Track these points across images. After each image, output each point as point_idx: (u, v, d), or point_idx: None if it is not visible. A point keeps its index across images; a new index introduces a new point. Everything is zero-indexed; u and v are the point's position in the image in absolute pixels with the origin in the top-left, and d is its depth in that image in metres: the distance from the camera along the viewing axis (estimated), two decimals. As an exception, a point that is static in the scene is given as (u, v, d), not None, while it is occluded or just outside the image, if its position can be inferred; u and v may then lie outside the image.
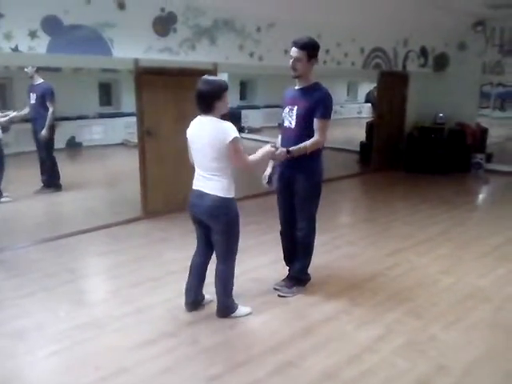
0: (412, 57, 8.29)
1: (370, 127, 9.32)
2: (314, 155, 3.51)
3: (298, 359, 2.89)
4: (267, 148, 3.29)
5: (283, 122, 3.60)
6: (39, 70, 6.77)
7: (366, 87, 18.33)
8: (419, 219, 5.84)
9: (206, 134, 3.01)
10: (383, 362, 2.88)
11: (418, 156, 8.60)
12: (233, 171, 3.14)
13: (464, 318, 3.42)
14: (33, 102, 6.75)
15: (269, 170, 3.73)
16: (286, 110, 3.56)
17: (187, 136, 3.17)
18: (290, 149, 3.36)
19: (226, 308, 3.36)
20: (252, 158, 3.19)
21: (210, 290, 3.46)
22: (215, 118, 3.02)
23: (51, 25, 4.28)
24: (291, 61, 3.43)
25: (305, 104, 3.43)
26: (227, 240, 3.20)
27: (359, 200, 7.33)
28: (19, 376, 2.80)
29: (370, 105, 17.91)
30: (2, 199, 6.25)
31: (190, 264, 3.42)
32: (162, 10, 5.01)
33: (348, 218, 6.33)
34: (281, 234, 3.88)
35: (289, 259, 3.90)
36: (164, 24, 5.05)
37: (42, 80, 6.78)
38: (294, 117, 3.48)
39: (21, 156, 9.42)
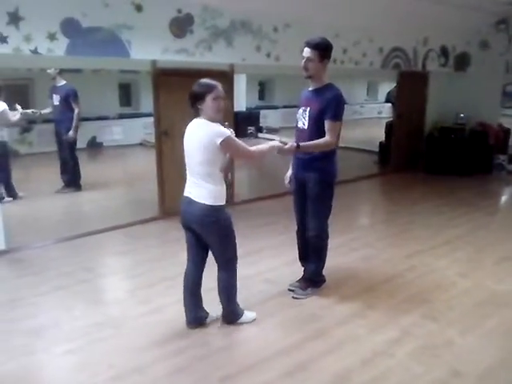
0: (432, 56, 8.16)
1: (390, 127, 9.21)
2: (328, 157, 3.49)
3: (310, 362, 2.87)
4: (275, 142, 3.26)
5: (297, 122, 3.61)
6: (62, 71, 6.87)
7: (387, 87, 18.12)
8: (438, 221, 5.75)
9: (195, 137, 2.94)
10: (397, 366, 2.84)
11: (438, 157, 8.46)
12: (221, 179, 3.03)
13: (481, 324, 3.35)
14: (56, 103, 6.86)
15: (290, 171, 3.76)
16: (300, 111, 3.57)
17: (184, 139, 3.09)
18: (300, 144, 3.34)
19: (232, 314, 3.31)
20: (256, 148, 3.12)
21: (210, 298, 3.36)
22: (205, 121, 2.92)
23: (70, 27, 4.34)
24: (303, 61, 3.41)
25: (317, 105, 3.42)
26: (223, 248, 3.12)
27: (377, 201, 7.26)
28: (35, 373, 2.85)
29: (390, 105, 17.72)
30: (5, 199, 6.34)
31: (183, 278, 3.27)
32: (179, 11, 5.03)
33: (366, 220, 6.27)
34: (296, 233, 3.87)
35: (304, 259, 3.88)
36: (181, 25, 5.07)
37: (65, 82, 6.88)
38: (307, 118, 3.48)
39: (41, 155, 9.62)
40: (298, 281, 3.85)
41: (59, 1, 4.26)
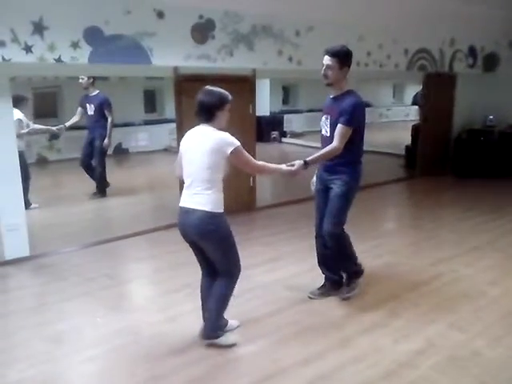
0: (459, 57, 7.97)
1: (416, 130, 9.03)
2: (353, 162, 3.49)
3: (332, 373, 2.80)
4: (282, 167, 3.24)
5: (321, 130, 3.60)
6: (94, 81, 6.96)
7: (413, 89, 17.82)
8: (467, 227, 5.58)
9: (205, 143, 2.87)
10: (422, 378, 2.74)
11: (466, 160, 8.25)
12: (221, 187, 2.97)
13: (511, 334, 3.21)
14: (91, 112, 6.98)
15: (315, 178, 3.76)
16: (323, 118, 3.56)
17: (181, 146, 3.04)
18: (307, 160, 3.32)
19: (215, 330, 3.07)
20: (263, 164, 3.12)
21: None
22: (212, 128, 2.91)
23: (93, 35, 4.40)
24: (323, 68, 3.39)
25: (336, 113, 3.40)
26: (223, 258, 3.01)
27: (403, 206, 7.11)
28: (56, 380, 2.86)
29: (417, 107, 17.43)
30: (32, 206, 6.38)
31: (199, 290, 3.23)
32: (201, 17, 5.05)
33: (391, 225, 6.15)
34: (316, 238, 3.79)
35: (324, 264, 3.80)
36: (202, 31, 5.09)
37: (98, 91, 7.00)
38: (329, 125, 3.47)
39: (69, 162, 9.79)
40: (319, 288, 3.78)
41: (82, 9, 4.33)
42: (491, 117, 8.52)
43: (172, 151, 11.23)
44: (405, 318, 3.44)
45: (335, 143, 3.35)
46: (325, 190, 3.60)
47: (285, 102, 15.77)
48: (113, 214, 6.63)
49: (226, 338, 3.09)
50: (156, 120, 12.31)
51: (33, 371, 2.88)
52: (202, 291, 3.21)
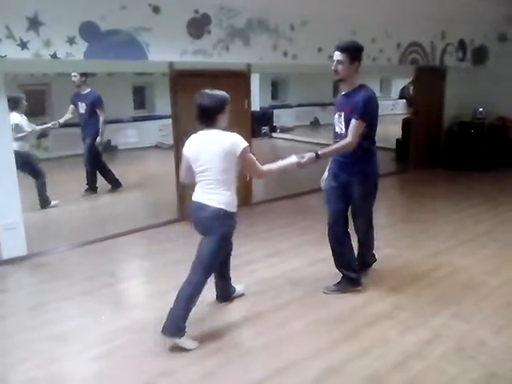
0: (450, 50, 8.03)
1: (406, 124, 9.10)
2: (368, 157, 3.54)
3: (341, 365, 2.81)
4: (291, 159, 3.25)
5: (334, 128, 3.58)
6: (87, 78, 6.84)
7: (400, 83, 17.94)
8: (461, 218, 5.65)
9: (214, 147, 2.92)
10: (431, 368, 2.77)
11: (457, 152, 8.34)
12: (235, 188, 3.09)
13: (513, 323, 3.27)
14: (82, 111, 6.88)
15: (326, 174, 3.78)
16: (336, 116, 3.54)
17: (185, 153, 3.06)
18: (319, 152, 3.32)
19: (177, 328, 2.99)
20: (268, 168, 3.15)
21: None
22: (221, 131, 2.96)
23: (89, 31, 4.33)
24: (334, 64, 3.39)
25: (349, 109, 3.39)
26: (211, 255, 3.05)
27: (396, 199, 7.15)
28: (62, 380, 2.84)
29: (404, 101, 17.54)
30: (53, 203, 6.43)
31: None
32: (196, 11, 5.01)
33: (386, 219, 6.14)
34: (329, 235, 3.75)
35: (338, 263, 3.79)
36: (198, 26, 5.04)
37: (90, 89, 6.89)
38: (343, 123, 3.45)
39: (58, 160, 9.68)
40: (335, 284, 3.77)
41: (78, 5, 4.26)
42: (481, 109, 8.61)
43: (163, 147, 11.18)
44: (408, 310, 3.47)
45: (349, 138, 3.34)
46: (343, 188, 3.57)
47: (274, 97, 15.74)
48: (107, 212, 6.57)
49: (185, 341, 3.01)
50: (146, 116, 12.21)
51: (38, 372, 2.84)
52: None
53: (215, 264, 3.16)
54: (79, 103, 6.88)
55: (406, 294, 3.74)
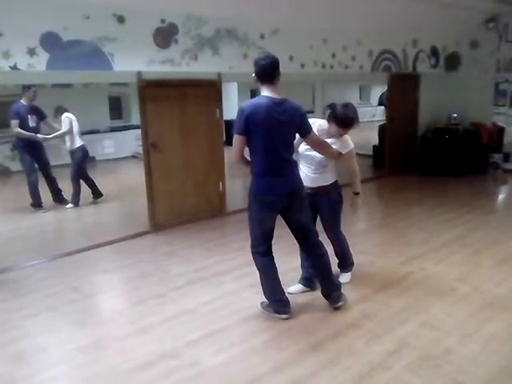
0: (422, 57, 8.12)
1: (383, 130, 9.15)
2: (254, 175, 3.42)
3: (306, 378, 2.75)
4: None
5: None
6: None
7: (379, 90, 18.11)
8: (434, 224, 5.66)
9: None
10: (395, 379, 2.72)
11: (432, 158, 8.40)
12: None
13: (482, 329, 3.24)
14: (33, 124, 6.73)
15: None
16: None
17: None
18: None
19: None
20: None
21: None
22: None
23: (50, 41, 4.26)
24: None
25: None
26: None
27: (372, 205, 7.14)
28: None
29: (383, 108, 17.68)
30: (68, 205, 6.72)
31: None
32: (163, 21, 4.96)
33: (360, 225, 6.14)
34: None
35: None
36: (165, 35, 5.00)
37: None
38: None
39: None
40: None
41: (38, 15, 4.19)
42: (455, 115, 8.70)
43: (140, 157, 11.03)
44: (377, 318, 3.42)
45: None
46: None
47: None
48: (78, 225, 6.45)
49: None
50: (122, 127, 12.12)
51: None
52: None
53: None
54: (29, 116, 6.64)
55: (376, 301, 3.70)
